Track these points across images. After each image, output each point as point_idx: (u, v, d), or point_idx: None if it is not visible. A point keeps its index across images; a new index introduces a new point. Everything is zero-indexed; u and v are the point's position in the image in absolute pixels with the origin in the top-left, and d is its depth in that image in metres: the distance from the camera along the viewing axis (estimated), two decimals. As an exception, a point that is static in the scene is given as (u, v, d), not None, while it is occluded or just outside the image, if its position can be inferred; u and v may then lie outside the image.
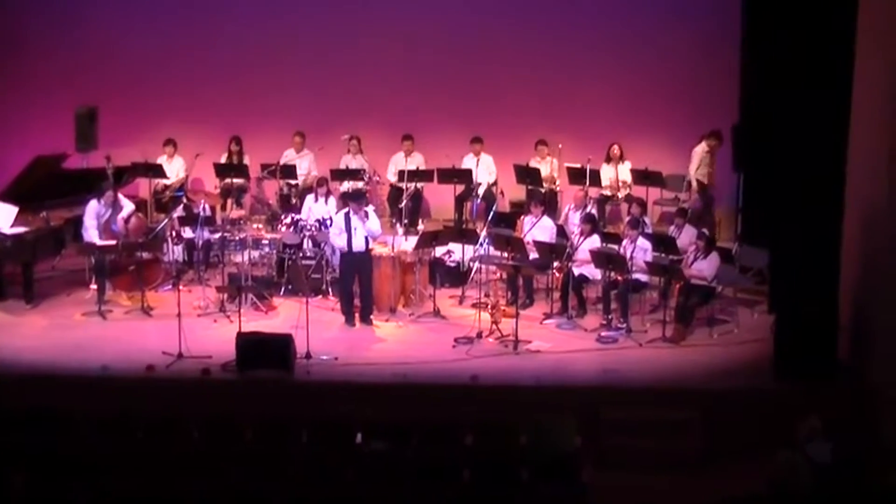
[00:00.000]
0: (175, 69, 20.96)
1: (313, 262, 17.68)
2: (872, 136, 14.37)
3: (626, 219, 17.99)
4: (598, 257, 16.65)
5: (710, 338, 16.37)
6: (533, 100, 20.70)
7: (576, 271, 16.93)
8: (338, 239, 16.70)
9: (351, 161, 20.21)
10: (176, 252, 18.37)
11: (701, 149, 19.72)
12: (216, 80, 20.99)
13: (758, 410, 14.33)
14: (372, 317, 16.78)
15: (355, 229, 16.51)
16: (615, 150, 20.04)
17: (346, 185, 19.90)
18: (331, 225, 17.43)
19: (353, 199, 17.05)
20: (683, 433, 14.16)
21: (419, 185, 20.15)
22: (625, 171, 19.98)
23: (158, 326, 16.37)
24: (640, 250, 16.58)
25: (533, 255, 17.18)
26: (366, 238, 16.55)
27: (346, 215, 16.60)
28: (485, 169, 20.09)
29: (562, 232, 17.92)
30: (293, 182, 20.12)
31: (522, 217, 18.12)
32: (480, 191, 19.99)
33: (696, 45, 19.99)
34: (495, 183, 20.17)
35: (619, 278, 16.56)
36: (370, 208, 16.89)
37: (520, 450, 12.55)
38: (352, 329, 16.64)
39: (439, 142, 20.32)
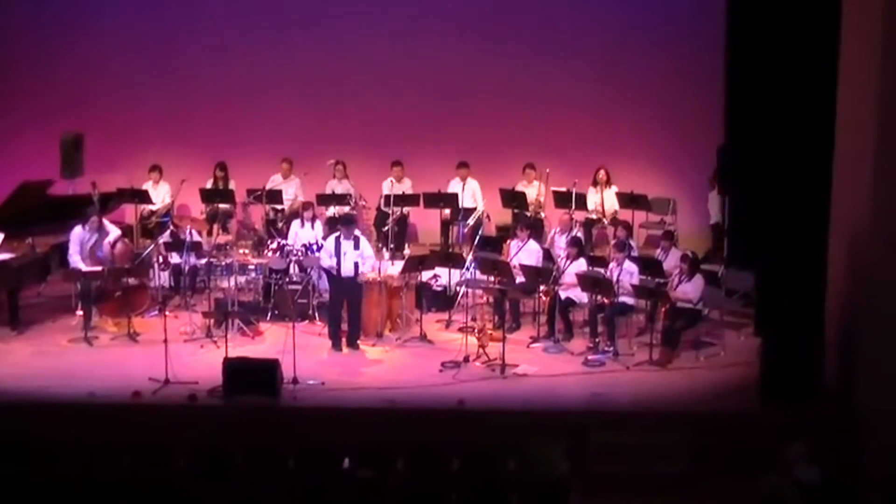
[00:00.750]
0: (160, 95, 21.00)
1: (300, 287, 17.66)
2: (857, 157, 14.40)
3: (613, 242, 17.98)
4: (585, 281, 16.66)
5: (697, 361, 16.37)
6: (520, 124, 20.75)
7: (562, 295, 16.94)
8: (327, 262, 16.72)
9: (337, 186, 20.23)
10: (162, 278, 18.33)
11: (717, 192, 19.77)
12: (202, 106, 21.06)
13: (744, 434, 14.30)
14: (359, 341, 16.76)
15: (345, 254, 16.51)
16: (602, 174, 20.09)
17: (332, 210, 19.92)
18: (318, 249, 17.46)
19: (343, 224, 17.05)
20: (670, 457, 14.14)
21: (405, 209, 20.15)
22: (611, 196, 20.00)
23: (145, 352, 16.31)
24: (626, 273, 16.59)
25: (519, 278, 17.18)
26: (355, 263, 16.54)
27: (337, 240, 16.61)
28: (470, 194, 20.09)
29: (548, 256, 17.93)
30: (279, 207, 20.12)
31: (508, 241, 18.12)
32: (471, 219, 19.96)
33: (682, 69, 20.09)
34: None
35: (606, 301, 16.57)
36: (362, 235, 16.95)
37: (508, 475, 12.53)
38: (339, 354, 16.61)
39: (425, 166, 20.35)
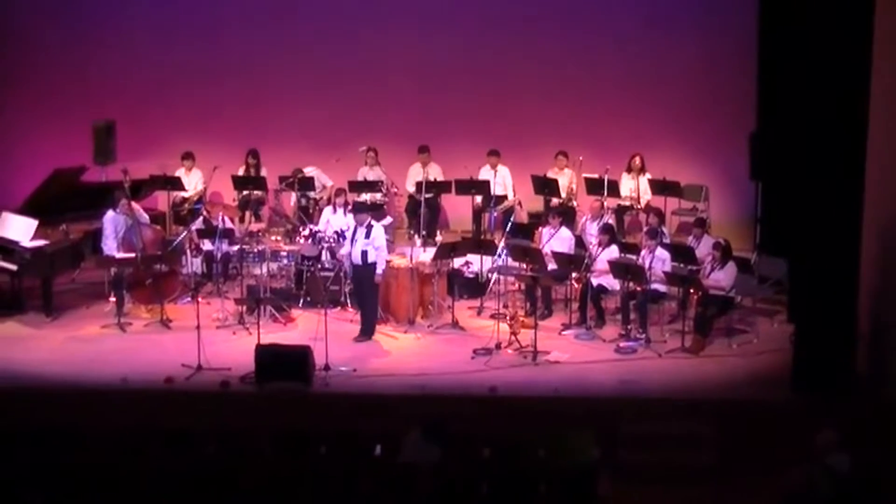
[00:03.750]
0: (192, 82, 21.02)
1: (332, 274, 17.67)
2: (890, 145, 14.33)
3: (645, 229, 17.94)
4: (617, 268, 16.63)
5: (729, 348, 16.33)
6: (551, 111, 20.68)
7: (594, 282, 16.92)
8: (347, 248, 16.91)
9: (368, 173, 20.21)
10: (195, 264, 18.40)
11: None
12: (233, 93, 21.05)
13: (776, 422, 14.26)
14: (384, 331, 16.85)
15: (355, 241, 16.60)
16: (637, 161, 20.01)
17: (365, 197, 19.92)
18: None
19: (354, 211, 17.17)
20: (701, 444, 14.11)
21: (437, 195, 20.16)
22: (644, 183, 19.93)
23: (177, 339, 16.41)
24: (658, 260, 16.56)
25: (551, 265, 17.17)
26: (363, 251, 16.57)
27: (356, 226, 16.72)
28: (501, 181, 20.06)
29: (580, 243, 17.90)
30: (311, 194, 20.11)
31: (540, 228, 18.12)
32: (503, 207, 19.96)
33: (714, 56, 20.02)
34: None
35: (638, 289, 16.54)
36: (378, 223, 16.93)
37: (538, 462, 12.52)
38: (370, 341, 16.65)
39: (457, 153, 20.33)
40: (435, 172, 20.23)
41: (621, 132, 20.49)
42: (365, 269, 16.62)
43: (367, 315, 16.74)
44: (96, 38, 20.98)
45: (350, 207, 18.34)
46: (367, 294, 16.73)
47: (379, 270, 16.63)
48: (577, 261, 17.05)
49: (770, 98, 14.67)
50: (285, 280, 18.26)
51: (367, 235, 16.56)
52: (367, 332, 16.68)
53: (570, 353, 16.16)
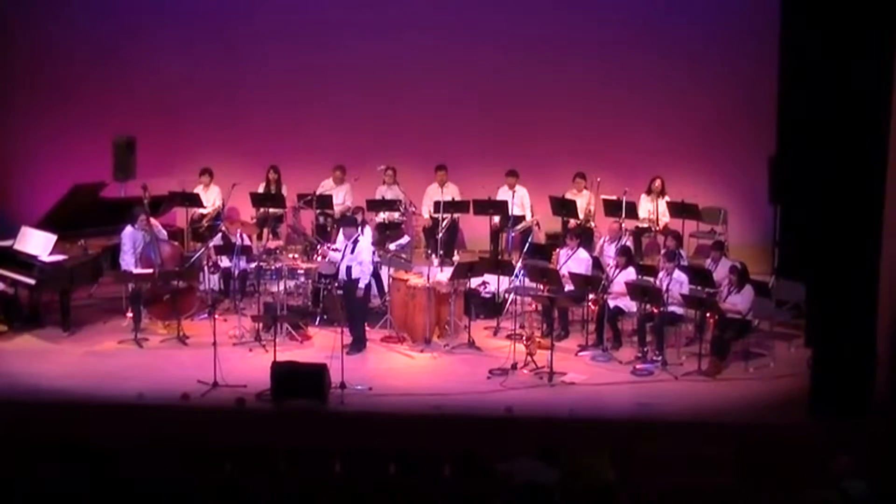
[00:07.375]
0: (212, 100, 21.09)
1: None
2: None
3: (662, 251, 17.92)
4: (634, 289, 16.61)
5: (746, 372, 16.29)
6: (570, 133, 20.68)
7: (611, 303, 16.89)
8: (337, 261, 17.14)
9: (386, 192, 20.23)
10: (212, 281, 18.44)
11: None
12: (253, 110, 21.12)
13: (793, 446, 14.20)
14: (400, 350, 16.84)
15: (343, 257, 16.82)
16: (657, 183, 19.95)
17: (382, 216, 19.95)
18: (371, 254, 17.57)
19: (343, 224, 17.32)
20: (717, 467, 14.06)
21: (455, 215, 20.14)
22: (663, 205, 19.88)
23: (194, 355, 16.42)
24: (676, 283, 16.53)
25: (568, 286, 17.14)
26: (348, 267, 16.74)
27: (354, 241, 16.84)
28: (519, 202, 20.04)
29: (597, 264, 17.88)
30: (329, 212, 20.14)
31: (558, 249, 18.10)
32: (520, 226, 19.94)
33: (733, 78, 19.99)
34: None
35: (655, 311, 16.52)
36: (365, 238, 16.99)
37: (554, 483, 12.47)
38: (387, 359, 16.69)
39: (475, 173, 20.34)
40: (452, 192, 20.23)
41: (640, 155, 20.48)
42: (350, 284, 16.77)
43: (353, 329, 16.79)
44: (118, 54, 21.02)
45: (375, 226, 18.42)
46: (352, 309, 16.82)
47: (361, 285, 16.74)
48: (594, 282, 17.03)
49: (790, 122, 14.65)
50: (302, 298, 18.26)
51: (353, 250, 16.65)
52: (356, 346, 16.74)
53: (587, 374, 16.14)
